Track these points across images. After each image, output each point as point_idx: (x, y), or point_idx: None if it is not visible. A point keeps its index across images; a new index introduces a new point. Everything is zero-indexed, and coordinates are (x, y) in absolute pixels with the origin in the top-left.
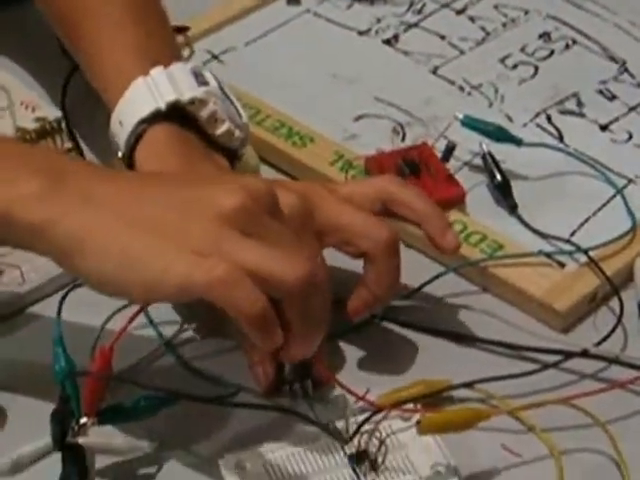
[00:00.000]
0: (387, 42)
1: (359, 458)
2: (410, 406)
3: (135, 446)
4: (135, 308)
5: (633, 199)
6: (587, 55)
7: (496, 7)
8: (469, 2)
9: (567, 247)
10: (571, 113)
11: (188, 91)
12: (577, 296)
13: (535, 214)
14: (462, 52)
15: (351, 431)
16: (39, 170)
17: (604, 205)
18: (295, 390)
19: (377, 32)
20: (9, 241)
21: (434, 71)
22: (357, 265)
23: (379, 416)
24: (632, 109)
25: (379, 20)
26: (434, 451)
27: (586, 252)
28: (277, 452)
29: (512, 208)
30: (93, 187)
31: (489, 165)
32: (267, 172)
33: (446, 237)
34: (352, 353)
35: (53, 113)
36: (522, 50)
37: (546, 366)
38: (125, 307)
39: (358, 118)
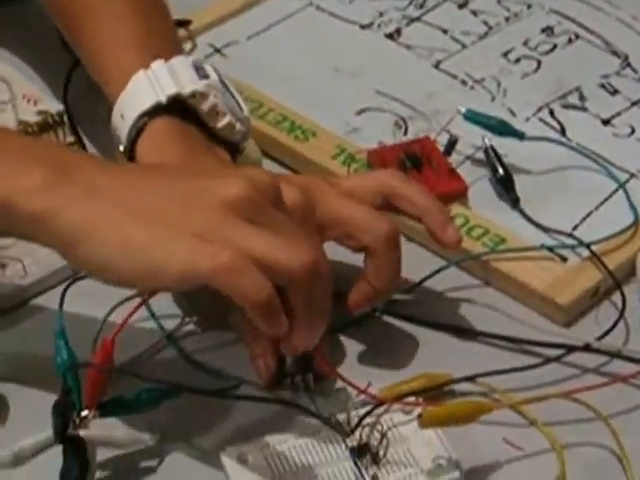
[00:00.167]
0: (389, 36)
1: (360, 451)
2: (412, 399)
3: (136, 439)
4: (137, 301)
5: (635, 193)
6: (590, 49)
7: (499, 1)
8: None
9: (569, 241)
10: (573, 107)
11: (189, 84)
12: (579, 290)
13: (537, 208)
14: (464, 46)
15: (353, 424)
16: (41, 161)
17: (606, 199)
18: (296, 383)
19: (379, 26)
20: (12, 232)
21: (436, 65)
22: (358, 259)
23: (381, 409)
24: (634, 104)
25: (381, 14)
26: (436, 444)
27: (588, 246)
28: (279, 445)
29: (514, 202)
30: (95, 179)
31: (491, 159)
32: (269, 166)
33: (447, 231)
34: (353, 347)
35: (55, 106)
36: (525, 44)
37: (548, 360)
38: (127, 300)
39: (360, 112)
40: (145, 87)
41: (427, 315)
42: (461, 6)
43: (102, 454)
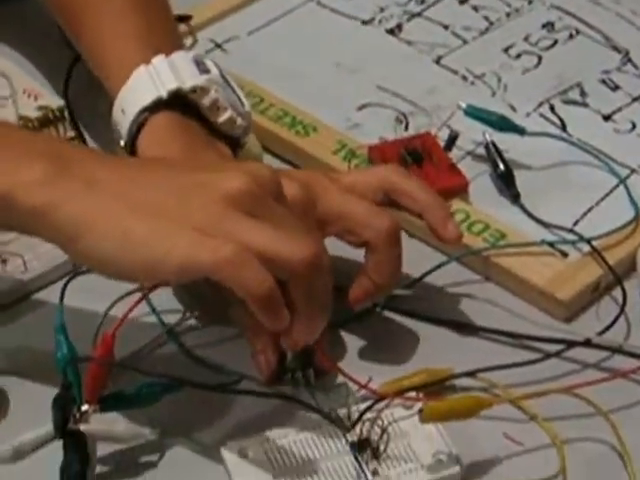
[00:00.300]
0: (390, 32)
1: (361, 446)
2: (412, 394)
3: (137, 433)
4: (138, 296)
5: (636, 189)
6: (590, 45)
7: None
8: None
9: (570, 236)
10: (574, 103)
11: (190, 79)
12: (580, 285)
13: (538, 203)
14: (465, 42)
15: (353, 419)
16: (42, 155)
17: (607, 195)
18: (297, 378)
19: (380, 21)
20: (13, 226)
21: (437, 61)
22: (359, 254)
23: (381, 404)
24: (635, 99)
25: (382, 9)
26: (436, 439)
27: (589, 242)
28: (279, 440)
29: (515, 197)
30: (95, 172)
31: (492, 154)
32: (270, 161)
33: (447, 227)
34: (354, 342)
35: (56, 102)
36: (525, 40)
37: (549, 355)
38: (128, 295)
39: (361, 107)
40: (146, 82)
41: (428, 310)
42: (462, 2)
43: (103, 449)
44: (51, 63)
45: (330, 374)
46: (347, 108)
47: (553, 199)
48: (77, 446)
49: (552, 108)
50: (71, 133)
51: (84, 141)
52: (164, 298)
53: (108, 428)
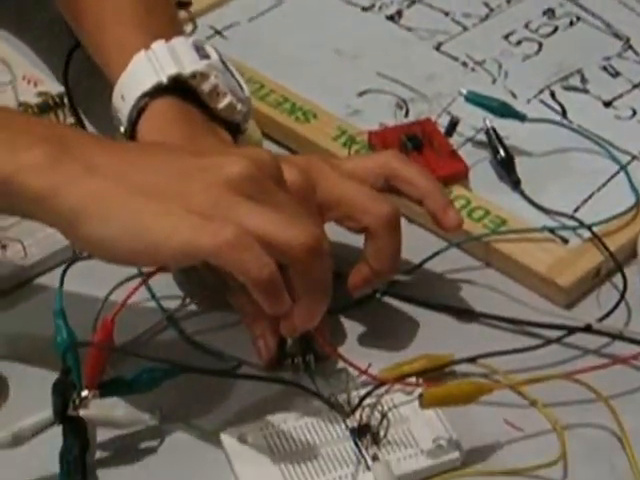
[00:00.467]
0: (390, 18)
1: (361, 431)
2: (412, 380)
3: (137, 419)
4: (137, 281)
5: (637, 175)
6: (591, 32)
7: None
8: None
9: (571, 223)
10: (575, 89)
11: (190, 64)
12: (580, 272)
13: (538, 190)
14: (466, 28)
15: (353, 404)
16: (43, 140)
17: (608, 181)
18: (297, 364)
19: (380, 8)
20: (13, 210)
21: (437, 47)
22: (359, 240)
23: (381, 390)
24: (636, 86)
25: None
26: (436, 425)
27: (590, 228)
28: (279, 425)
29: (515, 184)
30: (96, 157)
31: (493, 141)
32: (270, 147)
33: (448, 214)
34: (354, 328)
35: (56, 88)
36: (526, 26)
37: (549, 341)
38: (127, 280)
39: (361, 94)
40: (146, 67)
41: (428, 296)
42: None
43: (102, 434)
44: (51, 49)
45: (330, 360)
46: (347, 94)
47: (554, 185)
48: (77, 432)
49: (553, 95)
50: (71, 119)
51: (84, 127)
52: (164, 284)
53: (108, 413)
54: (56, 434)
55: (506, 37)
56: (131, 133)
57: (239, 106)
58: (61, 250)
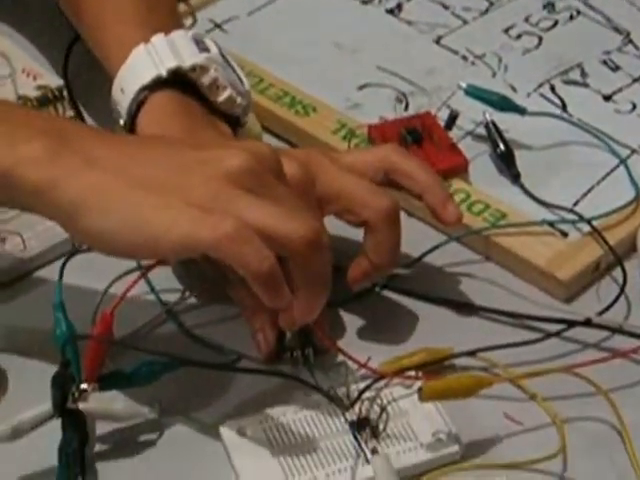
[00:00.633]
0: (390, 11)
1: (360, 425)
2: (412, 373)
3: (136, 412)
4: (137, 274)
5: (636, 169)
6: (591, 26)
7: None
8: None
9: (570, 216)
10: (575, 83)
11: (189, 58)
12: (580, 265)
13: (538, 183)
14: (466, 22)
15: (352, 398)
16: (42, 132)
17: (607, 175)
18: (296, 357)
19: (380, 1)
20: (13, 203)
21: (437, 41)
22: (358, 234)
23: (381, 383)
24: (636, 80)
25: None
26: (435, 418)
27: (589, 222)
28: (278, 418)
29: (515, 177)
30: (95, 149)
31: (492, 134)
32: (270, 140)
33: (447, 209)
34: (353, 322)
35: (55, 81)
36: (526, 20)
37: (549, 335)
38: (127, 273)
39: (361, 87)
40: (145, 61)
41: (427, 290)
42: None
43: (101, 427)
44: (50, 43)
45: (329, 353)
46: (347, 88)
47: (553, 179)
48: (76, 425)
49: (553, 88)
50: (70, 113)
51: (83, 120)
52: (163, 277)
53: (107, 407)
54: (55, 427)
55: (506, 31)
56: (130, 126)
57: (239, 99)
58: (60, 243)
